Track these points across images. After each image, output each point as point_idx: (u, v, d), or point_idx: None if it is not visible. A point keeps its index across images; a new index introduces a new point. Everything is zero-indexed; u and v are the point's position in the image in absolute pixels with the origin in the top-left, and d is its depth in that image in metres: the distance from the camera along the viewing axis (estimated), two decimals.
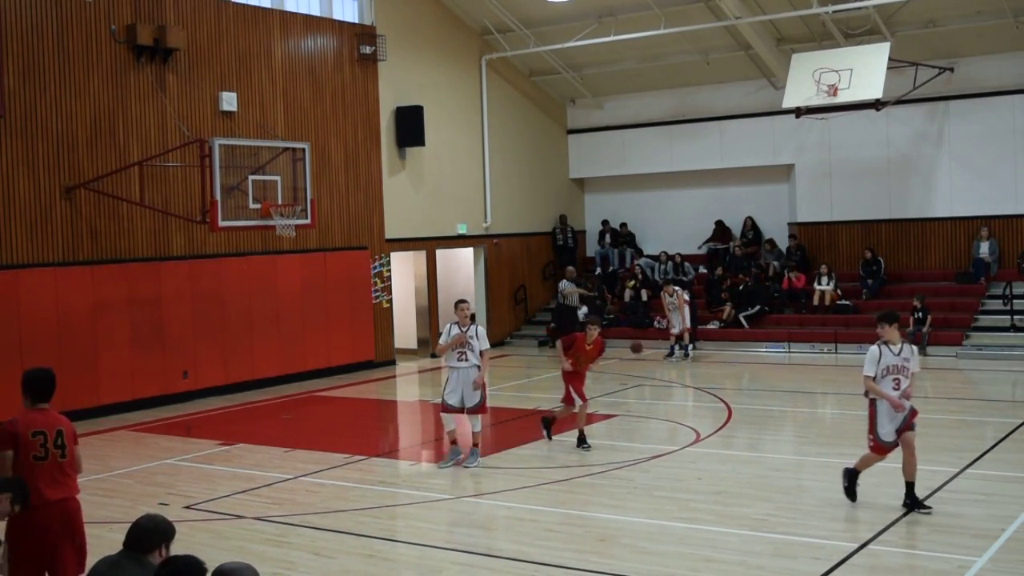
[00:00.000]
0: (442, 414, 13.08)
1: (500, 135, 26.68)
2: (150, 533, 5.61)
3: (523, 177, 27.53)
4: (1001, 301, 22.43)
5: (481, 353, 12.97)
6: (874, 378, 10.28)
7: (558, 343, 14.19)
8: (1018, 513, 9.86)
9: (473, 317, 13.48)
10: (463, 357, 12.93)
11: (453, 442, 13.11)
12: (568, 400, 13.75)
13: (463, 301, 13.34)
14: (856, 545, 9.08)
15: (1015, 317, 21.91)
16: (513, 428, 15.80)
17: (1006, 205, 23.67)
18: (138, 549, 5.57)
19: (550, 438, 14.04)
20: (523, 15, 25.10)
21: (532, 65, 27.41)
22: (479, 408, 12.96)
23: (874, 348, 10.45)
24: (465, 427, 13.29)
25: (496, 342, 26.22)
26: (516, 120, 27.36)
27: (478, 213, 26.10)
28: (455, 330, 13.00)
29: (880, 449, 10.39)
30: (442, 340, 13.08)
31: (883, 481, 11.52)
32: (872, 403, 10.46)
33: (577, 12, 24.45)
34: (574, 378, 13.74)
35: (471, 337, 12.95)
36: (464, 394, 12.85)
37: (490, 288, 26.39)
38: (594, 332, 13.64)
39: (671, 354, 22.68)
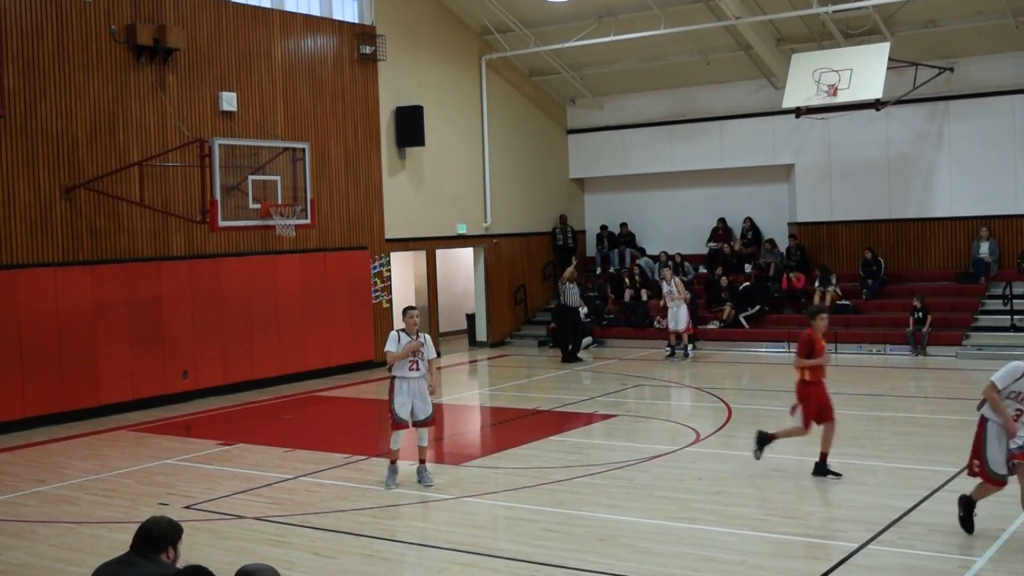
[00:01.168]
0: (393, 432, 12.02)
1: (500, 135, 26.69)
2: (157, 535, 5.60)
3: (523, 177, 27.54)
4: (1001, 301, 22.43)
5: (429, 362, 12.12)
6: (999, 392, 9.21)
7: (797, 348, 12.02)
8: (1018, 513, 9.83)
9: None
10: (414, 367, 11.97)
11: (394, 462, 12.08)
12: (807, 423, 11.86)
13: (412, 308, 12.42)
14: (856, 545, 9.08)
15: (1015, 317, 21.91)
16: (513, 428, 15.80)
17: (1006, 205, 23.67)
18: (146, 551, 5.56)
19: (759, 456, 12.15)
20: (523, 15, 25.10)
21: (532, 65, 27.41)
22: (431, 420, 12.15)
23: (1016, 364, 9.42)
24: (412, 442, 12.34)
25: (496, 342, 26.29)
26: (516, 120, 27.37)
27: (478, 213, 26.11)
28: (405, 338, 12.01)
29: (994, 481, 9.25)
30: (392, 348, 11.99)
31: (883, 481, 11.54)
32: (983, 423, 9.40)
33: (577, 12, 24.46)
34: (814, 390, 11.93)
35: (421, 345, 12.07)
36: (415, 406, 11.98)
37: (490, 288, 26.40)
38: (823, 322, 11.91)
39: (671, 354, 22.68)
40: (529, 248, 27.66)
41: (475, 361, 24.37)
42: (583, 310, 24.32)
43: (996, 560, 8.64)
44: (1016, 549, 8.95)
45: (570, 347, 23.18)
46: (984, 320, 22.48)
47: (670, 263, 25.65)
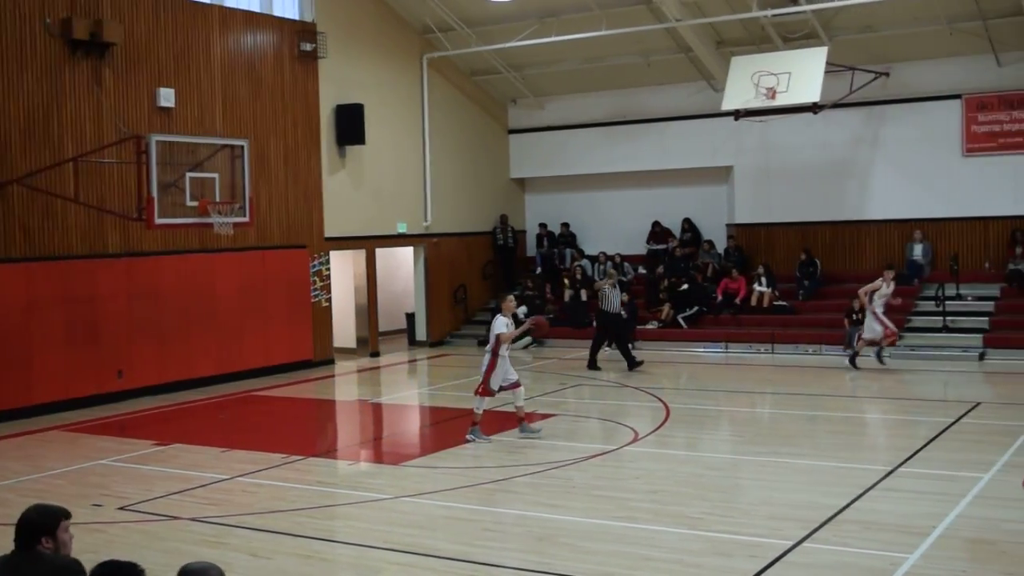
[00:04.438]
0: (482, 398, 14.13)
1: (441, 134, 26.64)
2: (25, 527, 5.43)
3: (464, 176, 27.52)
4: (934, 302, 22.80)
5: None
6: None
7: None
8: (949, 510, 10.02)
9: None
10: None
11: (477, 423, 14.12)
12: None
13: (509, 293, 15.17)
14: (791, 543, 9.18)
15: (947, 318, 22.29)
16: (452, 427, 15.76)
17: (939, 208, 24.08)
18: (23, 544, 5.41)
19: None
20: (465, 14, 25.07)
21: (473, 65, 27.40)
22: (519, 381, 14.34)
23: None
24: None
25: (436, 341, 26.25)
26: (457, 119, 27.34)
27: (418, 212, 26.04)
28: (506, 320, 14.14)
29: None
30: (505, 330, 14.02)
31: (819, 479, 11.68)
32: None
33: (519, 12, 24.47)
34: None
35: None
36: (508, 374, 14.21)
37: (430, 288, 26.34)
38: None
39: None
40: (469, 248, 27.63)
41: (415, 361, 24.30)
42: (522, 310, 24.35)
43: (928, 557, 8.77)
44: (947, 546, 9.10)
45: (626, 352, 21.16)
46: (917, 321, 22.84)
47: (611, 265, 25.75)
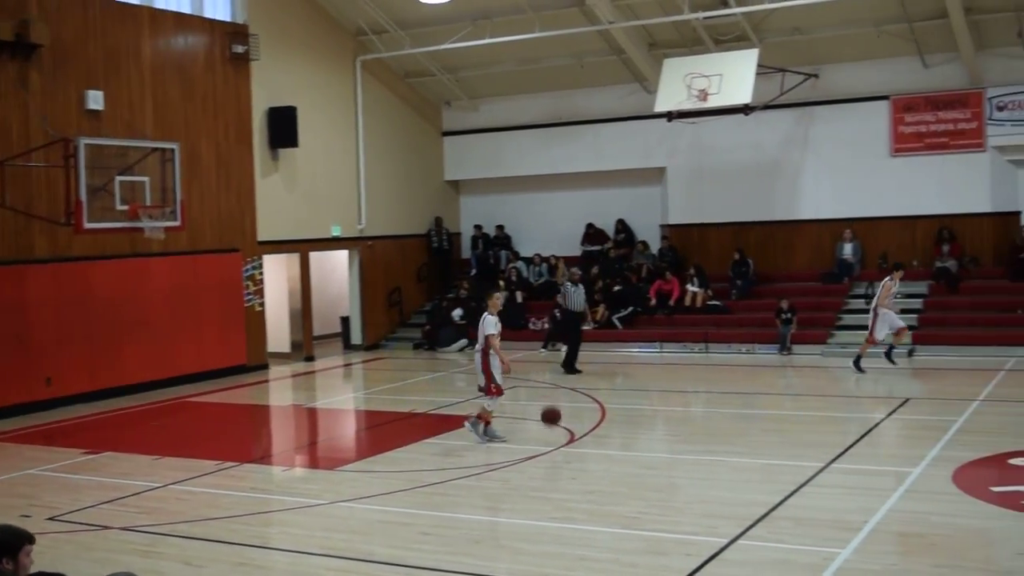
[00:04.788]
0: (497, 397, 14.03)
1: (375, 137, 26.52)
2: None
3: (398, 179, 27.42)
4: (864, 300, 23.13)
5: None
6: None
7: None
8: (879, 505, 10.17)
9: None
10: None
11: (489, 423, 14.03)
12: None
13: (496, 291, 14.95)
14: (726, 540, 9.25)
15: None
16: (388, 431, 15.72)
17: (868, 208, 24.45)
18: None
19: None
20: (398, 16, 24.99)
21: (407, 67, 27.31)
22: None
23: None
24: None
25: (371, 345, 26.12)
26: (391, 122, 27.23)
27: (352, 215, 25.90)
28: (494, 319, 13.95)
29: None
30: (494, 331, 13.81)
31: (753, 477, 11.80)
32: None
33: (452, 14, 24.43)
34: None
35: None
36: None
37: (365, 291, 26.21)
38: None
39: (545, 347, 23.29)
40: (404, 250, 27.53)
41: (350, 364, 24.17)
42: (457, 312, 24.28)
43: (860, 551, 8.89)
44: (879, 540, 9.23)
45: (573, 356, 20.78)
46: (848, 319, 23.16)
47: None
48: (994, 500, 10.36)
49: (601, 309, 24.84)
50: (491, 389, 13.93)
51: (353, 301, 26.32)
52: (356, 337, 26.29)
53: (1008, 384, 17.73)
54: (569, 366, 20.66)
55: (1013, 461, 11.95)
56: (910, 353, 21.20)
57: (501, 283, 26.45)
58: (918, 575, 8.39)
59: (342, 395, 20.91)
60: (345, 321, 26.59)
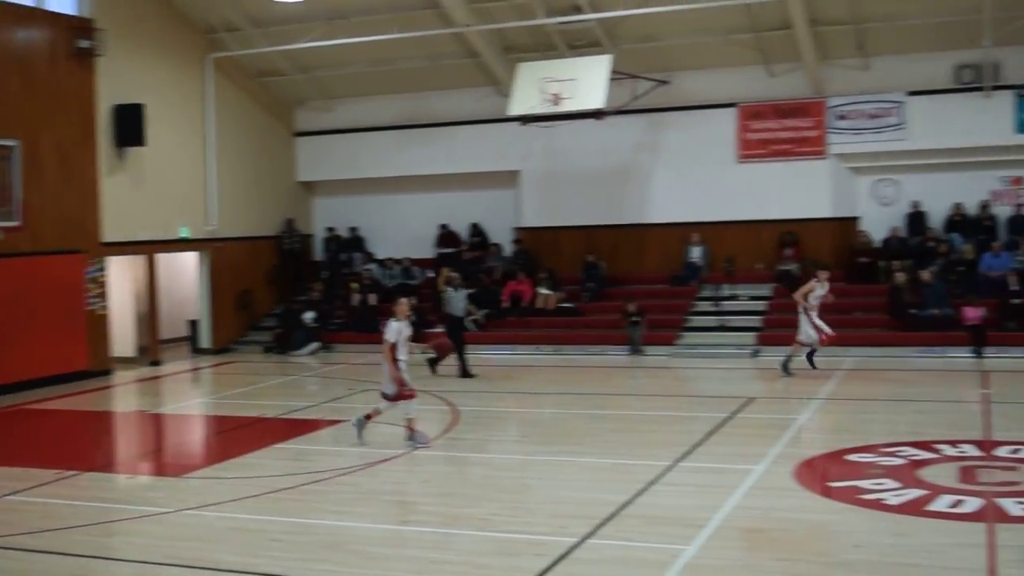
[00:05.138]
0: (410, 401, 13.71)
1: (226, 136, 26.01)
2: None
3: (249, 180, 26.95)
4: (711, 303, 23.74)
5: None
6: None
7: None
8: (724, 502, 10.42)
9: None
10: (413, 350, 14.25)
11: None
12: None
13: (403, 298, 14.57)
14: (576, 540, 9.36)
15: (723, 318, 23.23)
16: (237, 437, 15.43)
17: (715, 212, 25.04)
18: None
19: None
20: (251, 14, 24.58)
21: (260, 65, 26.87)
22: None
23: None
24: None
25: (220, 348, 25.62)
26: (243, 121, 26.76)
27: (202, 216, 25.36)
28: (398, 325, 13.61)
29: None
30: (398, 337, 13.51)
31: (603, 476, 11.96)
32: None
33: (307, 13, 24.12)
34: None
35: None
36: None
37: (214, 293, 25.68)
38: None
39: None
40: (255, 252, 27.06)
41: (198, 369, 23.63)
42: (309, 315, 23.98)
43: (705, 547, 9.09)
44: (724, 536, 9.46)
45: (462, 361, 20.16)
46: (696, 321, 23.69)
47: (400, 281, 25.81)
48: (832, 495, 10.75)
49: (473, 309, 24.82)
50: (402, 393, 13.65)
51: (202, 304, 25.76)
52: (204, 341, 25.72)
53: (846, 383, 18.39)
54: (462, 372, 20.07)
55: (850, 457, 12.39)
56: (754, 354, 21.81)
57: (355, 285, 26.26)
58: (760, 569, 8.63)
59: (189, 400, 20.43)
60: (193, 324, 25.99)
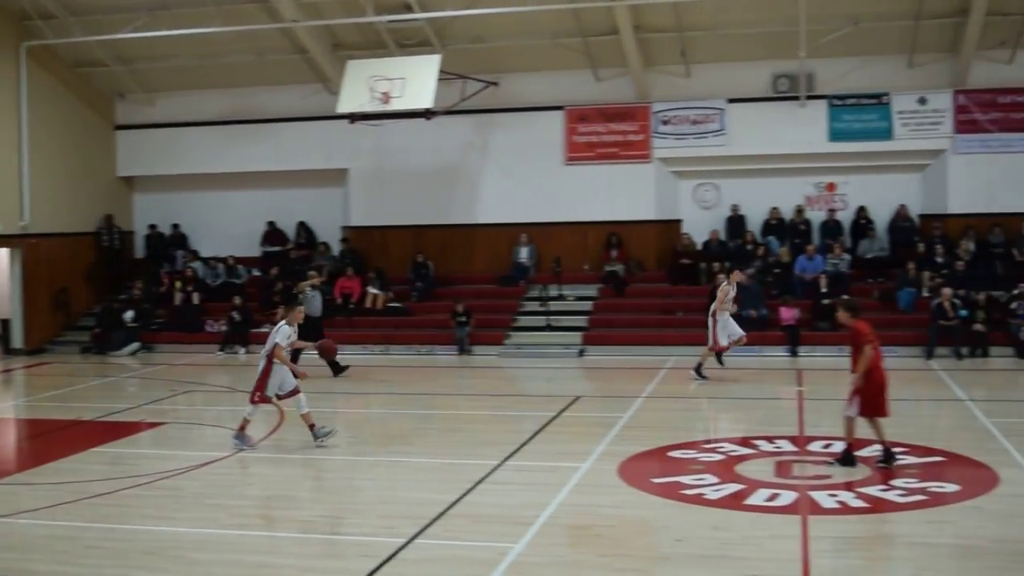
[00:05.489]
0: (258, 406, 13.57)
1: (41, 128, 24.99)
2: None
3: (66, 174, 25.97)
4: (538, 303, 24.02)
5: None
6: None
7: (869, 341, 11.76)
8: (551, 499, 10.56)
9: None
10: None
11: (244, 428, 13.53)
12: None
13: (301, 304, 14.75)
14: (404, 540, 9.33)
15: (551, 318, 23.54)
16: (52, 441, 14.84)
17: (543, 213, 25.36)
18: None
19: None
20: (67, 1, 23.71)
21: (78, 55, 25.92)
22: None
23: None
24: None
25: (34, 349, 24.64)
26: (59, 113, 25.77)
27: (14, 211, 24.30)
28: (289, 330, 13.56)
29: None
30: (283, 341, 13.37)
31: (431, 476, 11.97)
32: None
33: (128, 2, 23.42)
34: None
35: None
36: (285, 381, 13.50)
37: (27, 291, 24.67)
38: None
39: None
40: (72, 249, 26.09)
41: (10, 370, 22.63)
42: (129, 314, 23.26)
43: (532, 545, 9.19)
44: (550, 533, 9.58)
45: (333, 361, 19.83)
46: (523, 321, 23.95)
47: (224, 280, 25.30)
48: (655, 491, 11.00)
49: (281, 311, 24.39)
50: (256, 397, 13.44)
51: (14, 302, 24.70)
52: (17, 340, 24.68)
53: (669, 382, 18.87)
54: (335, 368, 19.92)
55: (672, 454, 12.72)
56: (580, 353, 22.17)
57: (178, 284, 25.61)
58: (585, 565, 8.78)
59: (0, 403, 19.55)
60: (4, 324, 24.88)
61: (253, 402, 13.55)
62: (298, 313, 13.85)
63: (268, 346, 13.50)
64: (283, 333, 13.44)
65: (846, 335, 12.35)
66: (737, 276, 19.00)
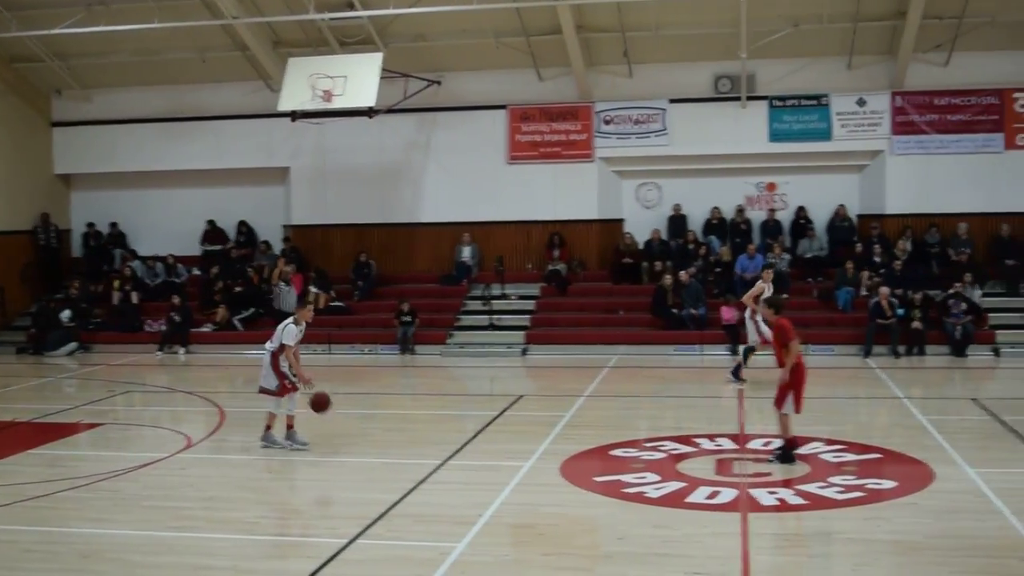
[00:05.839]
0: (290, 395, 13.17)
1: None
2: None
3: (1, 171, 25.57)
4: (481, 302, 24.02)
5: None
6: None
7: (786, 335, 11.81)
8: (493, 499, 10.56)
9: None
10: None
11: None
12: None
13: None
14: (345, 541, 9.29)
15: (494, 317, 23.55)
16: None
17: (486, 212, 25.37)
18: None
19: None
20: None
21: (13, 50, 25.51)
22: None
23: None
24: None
25: None
26: None
27: None
28: (297, 328, 13.15)
29: None
30: (291, 341, 13.00)
31: (373, 476, 11.92)
32: None
33: None
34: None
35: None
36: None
37: None
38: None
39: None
40: (6, 248, 25.68)
41: None
42: (65, 314, 22.93)
43: (474, 544, 9.18)
44: (492, 532, 9.58)
45: None
46: (466, 320, 23.93)
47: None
48: (597, 489, 11.03)
49: (221, 310, 24.28)
50: (284, 387, 13.07)
51: None
52: None
53: (611, 380, 18.96)
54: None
55: (614, 452, 12.77)
56: (523, 352, 22.21)
57: (116, 283, 25.29)
58: (528, 564, 8.79)
59: None
60: None
61: (283, 395, 13.15)
62: (307, 311, 13.48)
63: (273, 343, 13.17)
64: (290, 332, 13.06)
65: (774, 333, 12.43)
66: (769, 275, 18.31)
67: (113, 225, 27.31)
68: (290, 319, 13.33)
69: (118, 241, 27.24)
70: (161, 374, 20.66)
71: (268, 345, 13.33)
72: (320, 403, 13.18)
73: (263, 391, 13.31)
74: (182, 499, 11.03)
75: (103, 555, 9.19)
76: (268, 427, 13.27)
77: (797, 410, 11.90)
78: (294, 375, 13.13)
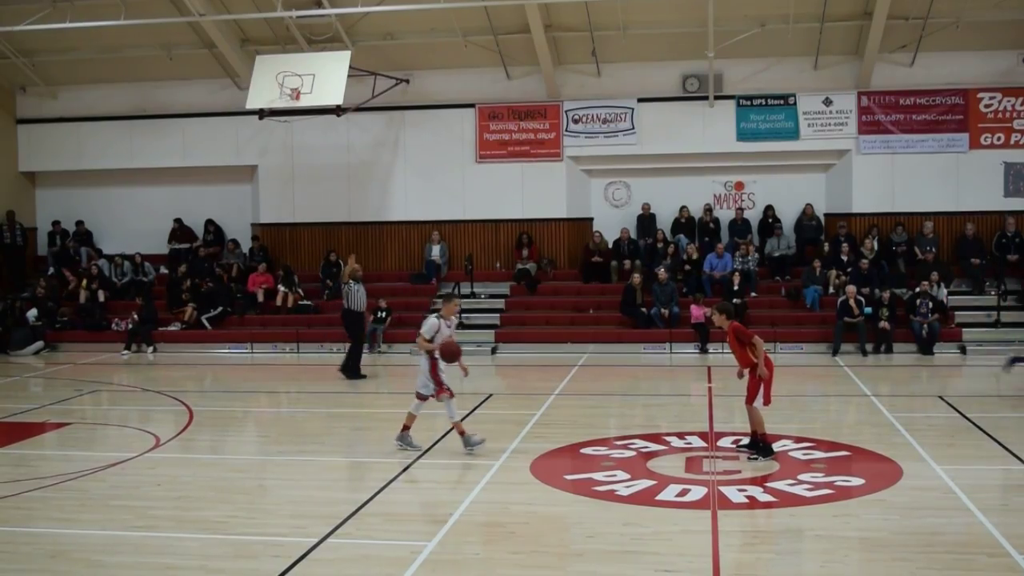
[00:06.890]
0: (453, 399, 12.85)
1: None
2: None
3: None
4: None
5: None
6: None
7: (744, 337, 12.05)
8: (464, 497, 10.55)
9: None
10: None
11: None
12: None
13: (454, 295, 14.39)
14: (315, 540, 9.25)
15: (463, 316, 23.46)
16: None
17: (455, 211, 25.37)
18: None
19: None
20: None
21: None
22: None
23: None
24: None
25: None
26: None
27: None
28: (438, 321, 12.79)
29: None
30: (433, 336, 12.68)
31: (343, 475, 11.89)
32: None
33: None
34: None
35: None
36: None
37: None
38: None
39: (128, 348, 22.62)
40: None
41: None
42: (32, 313, 22.74)
43: (445, 543, 9.17)
44: (462, 531, 9.57)
45: (356, 358, 19.19)
46: None
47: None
48: (567, 487, 11.04)
49: (189, 309, 24.15)
50: (439, 391, 12.77)
51: None
52: None
53: (580, 379, 18.98)
54: (351, 370, 18.93)
55: (584, 450, 12.79)
56: (493, 351, 22.20)
57: (83, 282, 25.09)
58: (498, 562, 8.78)
59: None
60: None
61: (438, 397, 12.86)
62: (453, 306, 13.20)
63: (420, 340, 12.86)
64: (427, 325, 12.79)
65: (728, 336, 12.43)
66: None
67: (79, 223, 27.09)
68: (433, 315, 13.04)
69: (85, 239, 27.02)
70: (128, 373, 20.51)
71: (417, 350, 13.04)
72: (452, 353, 12.86)
73: (418, 396, 12.94)
74: (150, 499, 10.95)
75: (70, 555, 9.11)
76: (406, 427, 12.94)
77: (766, 402, 12.01)
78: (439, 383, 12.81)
